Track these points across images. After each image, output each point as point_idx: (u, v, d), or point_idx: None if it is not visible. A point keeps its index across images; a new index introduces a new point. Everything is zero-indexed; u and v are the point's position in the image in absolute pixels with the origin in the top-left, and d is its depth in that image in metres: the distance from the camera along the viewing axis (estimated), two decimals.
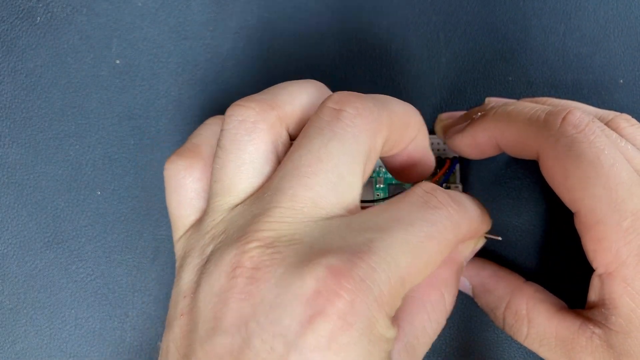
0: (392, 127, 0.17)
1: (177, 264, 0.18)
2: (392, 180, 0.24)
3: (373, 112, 0.16)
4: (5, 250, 0.25)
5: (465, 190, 0.25)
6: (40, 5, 0.26)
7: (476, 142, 0.21)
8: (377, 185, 0.24)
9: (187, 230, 0.18)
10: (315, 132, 0.16)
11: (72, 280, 0.25)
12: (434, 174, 0.24)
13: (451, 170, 0.24)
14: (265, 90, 0.18)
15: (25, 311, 0.25)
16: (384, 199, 0.24)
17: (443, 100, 0.25)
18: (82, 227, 0.25)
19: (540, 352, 0.20)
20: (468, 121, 0.22)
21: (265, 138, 0.17)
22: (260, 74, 0.26)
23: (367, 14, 0.26)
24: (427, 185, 0.16)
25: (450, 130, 0.23)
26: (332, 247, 0.14)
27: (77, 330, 0.25)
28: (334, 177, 0.16)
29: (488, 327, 0.24)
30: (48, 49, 0.26)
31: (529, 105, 0.20)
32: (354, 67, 0.26)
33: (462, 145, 0.22)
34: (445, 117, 0.24)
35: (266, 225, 0.15)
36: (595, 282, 0.19)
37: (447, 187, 0.24)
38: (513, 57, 0.26)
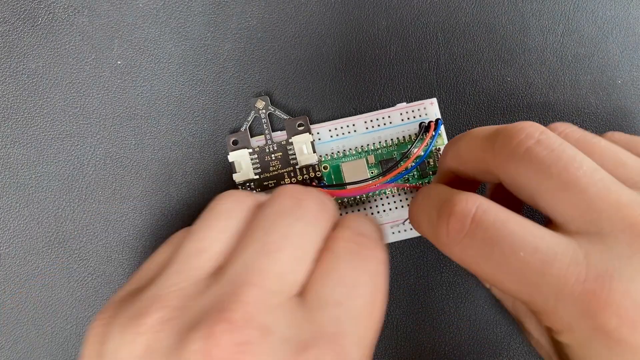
0: (332, 222, 0.18)
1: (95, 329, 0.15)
2: (382, 157, 0.25)
3: (327, 208, 0.17)
4: (7, 250, 0.25)
5: None
6: (42, 6, 0.26)
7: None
8: (370, 164, 0.25)
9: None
10: (277, 215, 0.16)
11: (73, 279, 0.25)
12: (421, 139, 0.24)
13: (437, 132, 0.24)
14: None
15: (26, 311, 0.25)
16: (379, 176, 0.24)
17: (442, 101, 0.26)
18: (84, 227, 0.25)
19: None
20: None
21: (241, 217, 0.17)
22: (260, 74, 0.26)
23: (367, 14, 0.26)
24: (346, 233, 0.17)
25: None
26: (307, 338, 0.14)
27: (78, 329, 0.25)
28: (299, 253, 0.16)
29: (493, 325, 0.24)
30: (49, 50, 0.26)
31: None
32: (354, 67, 0.26)
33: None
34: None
35: (233, 306, 0.14)
36: None
37: (437, 149, 0.25)
38: (512, 58, 0.26)
